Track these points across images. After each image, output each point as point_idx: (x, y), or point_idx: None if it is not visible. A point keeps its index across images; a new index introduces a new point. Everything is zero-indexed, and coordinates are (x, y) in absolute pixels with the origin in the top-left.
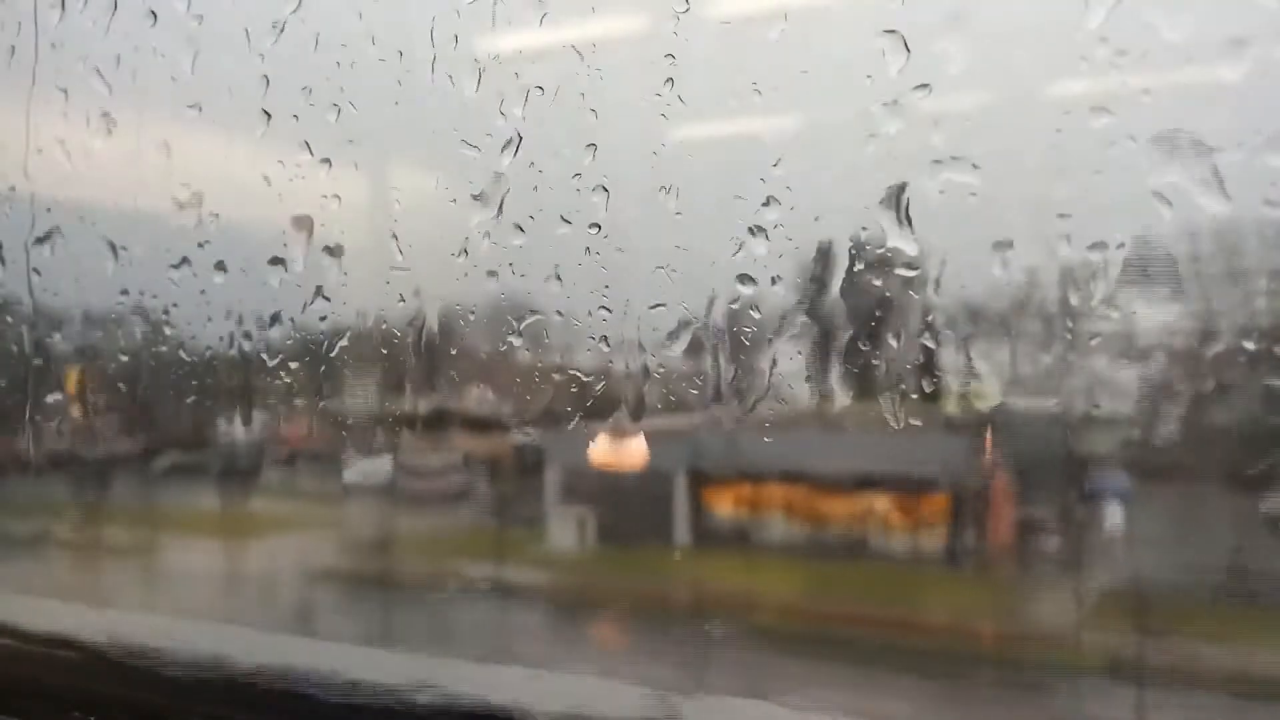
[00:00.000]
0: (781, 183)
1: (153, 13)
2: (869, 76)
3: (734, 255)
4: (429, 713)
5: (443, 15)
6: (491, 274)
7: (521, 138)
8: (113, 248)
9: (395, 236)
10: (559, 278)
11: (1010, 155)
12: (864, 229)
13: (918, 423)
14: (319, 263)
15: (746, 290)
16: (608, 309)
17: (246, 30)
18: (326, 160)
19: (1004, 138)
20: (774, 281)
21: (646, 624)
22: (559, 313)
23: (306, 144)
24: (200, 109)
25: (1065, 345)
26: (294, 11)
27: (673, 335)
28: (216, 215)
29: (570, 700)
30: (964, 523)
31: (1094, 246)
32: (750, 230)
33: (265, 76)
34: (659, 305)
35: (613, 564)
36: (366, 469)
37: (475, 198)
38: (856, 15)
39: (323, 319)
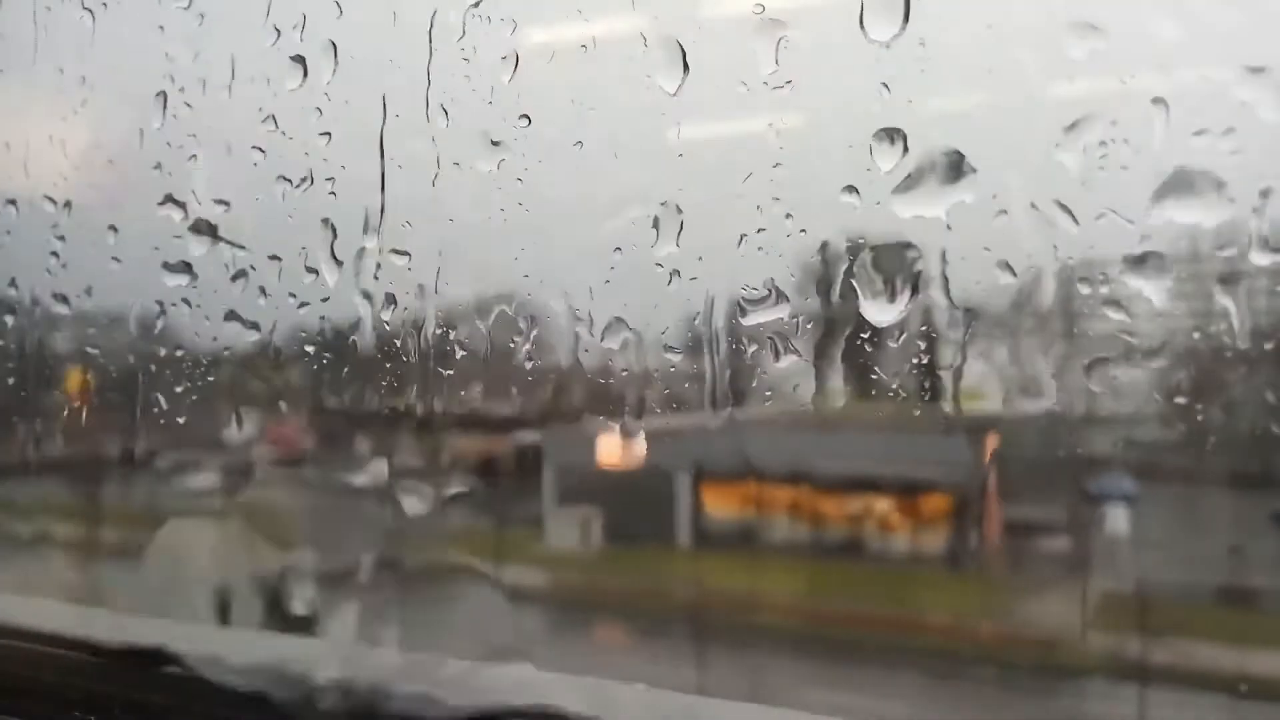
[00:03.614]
0: (782, 183)
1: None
2: (869, 81)
3: (735, 255)
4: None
5: (442, 16)
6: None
7: (522, 140)
8: None
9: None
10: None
11: (1011, 156)
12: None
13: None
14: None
15: (747, 290)
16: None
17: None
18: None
19: (1005, 137)
20: (771, 288)
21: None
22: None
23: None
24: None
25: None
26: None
27: (676, 335)
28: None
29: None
30: None
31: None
32: (750, 229)
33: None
34: (658, 304)
35: None
36: None
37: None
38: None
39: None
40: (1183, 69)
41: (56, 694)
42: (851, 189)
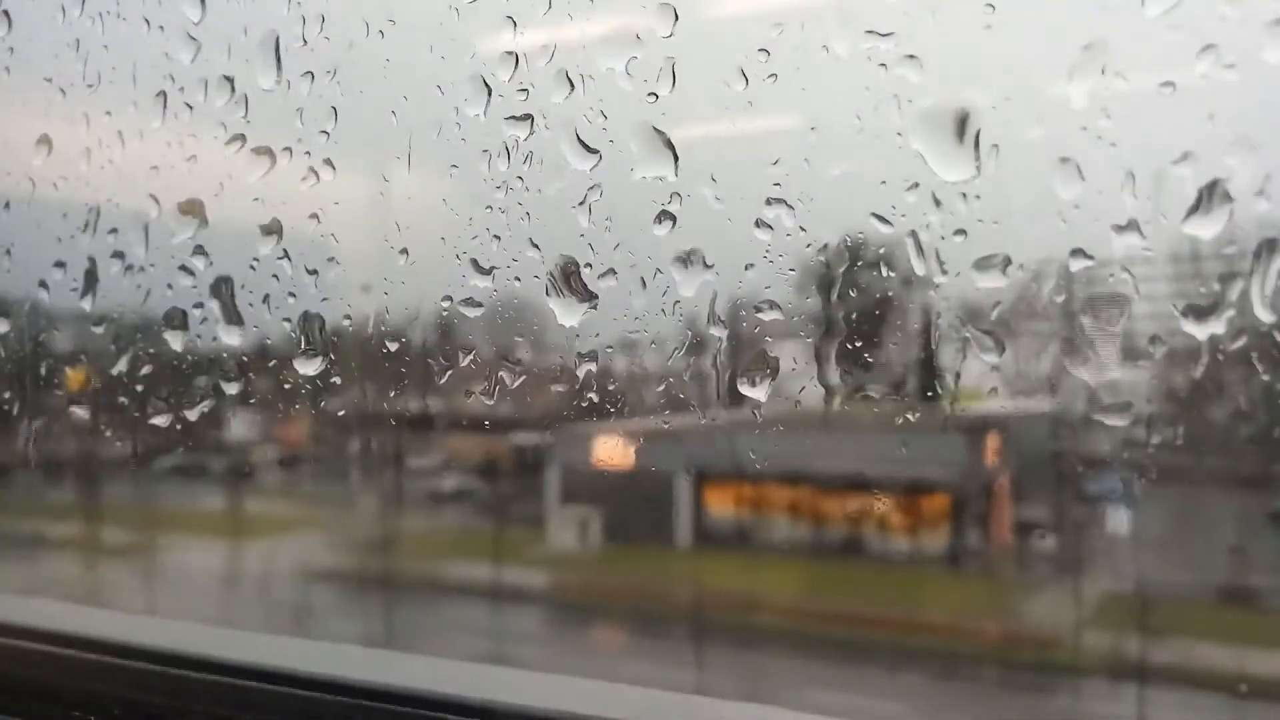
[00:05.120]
0: (782, 181)
1: (145, 20)
2: (867, 87)
3: (735, 255)
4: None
5: (441, 16)
6: (485, 273)
7: (522, 140)
8: None
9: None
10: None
11: (1011, 155)
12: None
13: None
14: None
15: (747, 290)
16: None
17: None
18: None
19: (1005, 136)
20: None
21: None
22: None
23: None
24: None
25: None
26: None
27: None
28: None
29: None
30: None
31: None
32: (750, 228)
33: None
34: (658, 305)
35: None
36: None
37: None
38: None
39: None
40: (1182, 68)
41: (56, 694)
42: (851, 189)
